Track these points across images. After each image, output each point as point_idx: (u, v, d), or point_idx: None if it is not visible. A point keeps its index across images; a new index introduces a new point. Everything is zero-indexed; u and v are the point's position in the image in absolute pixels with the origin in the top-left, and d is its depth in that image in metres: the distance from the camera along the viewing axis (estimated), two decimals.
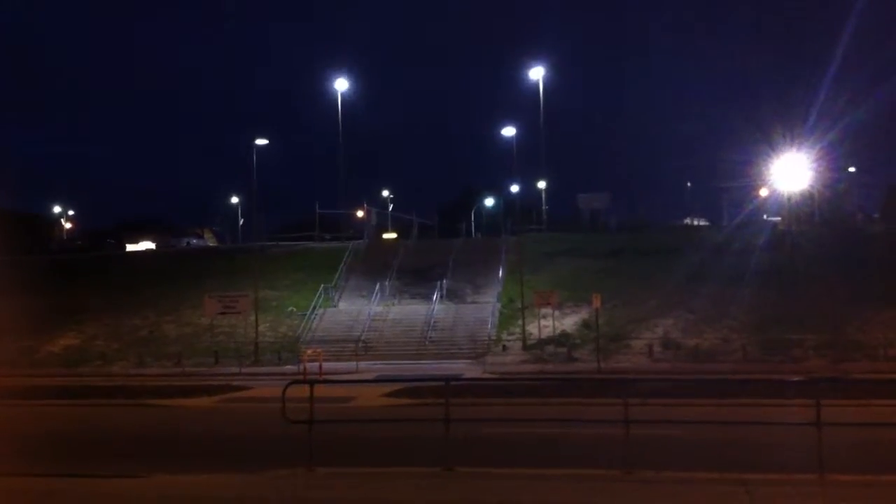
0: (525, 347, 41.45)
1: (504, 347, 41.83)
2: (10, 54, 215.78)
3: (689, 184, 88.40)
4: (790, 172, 56.46)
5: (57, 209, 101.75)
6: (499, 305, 46.43)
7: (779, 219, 62.42)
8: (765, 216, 68.31)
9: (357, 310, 47.55)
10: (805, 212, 60.72)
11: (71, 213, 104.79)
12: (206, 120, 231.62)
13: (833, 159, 60.64)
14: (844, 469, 11.86)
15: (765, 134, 57.25)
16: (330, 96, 66.55)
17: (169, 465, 13.88)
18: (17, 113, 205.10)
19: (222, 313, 41.75)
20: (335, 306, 48.75)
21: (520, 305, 43.46)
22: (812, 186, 59.79)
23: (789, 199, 58.61)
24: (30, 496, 10.88)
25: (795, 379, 22.34)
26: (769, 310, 40.89)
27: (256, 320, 43.62)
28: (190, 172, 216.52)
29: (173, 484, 12.15)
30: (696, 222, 79.15)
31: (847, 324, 39.29)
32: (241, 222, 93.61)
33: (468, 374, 33.72)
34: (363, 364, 38.20)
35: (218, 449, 17.12)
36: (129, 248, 74.56)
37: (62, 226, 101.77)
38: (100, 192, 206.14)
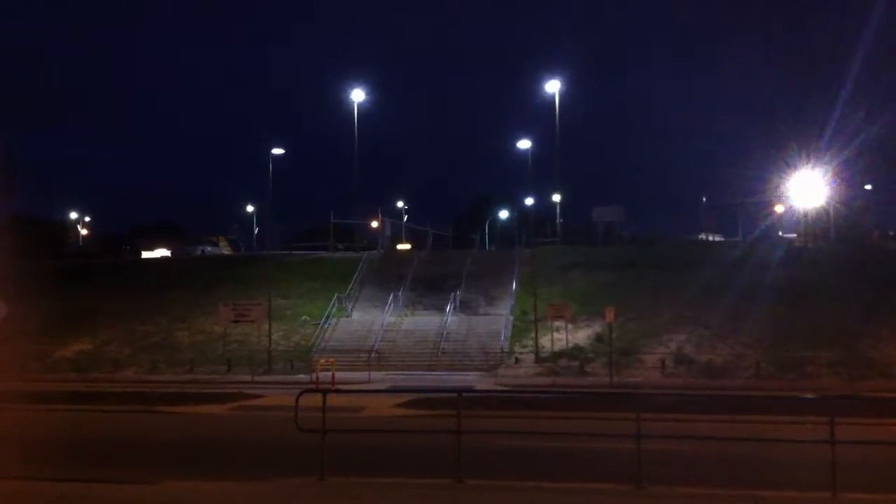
0: (537, 360, 41.35)
1: (516, 360, 41.76)
2: (26, 60, 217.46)
3: (704, 199, 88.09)
4: (806, 189, 56.43)
5: (73, 215, 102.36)
6: (512, 318, 46.35)
7: (794, 235, 62.22)
8: (780, 233, 68.04)
9: (370, 320, 47.58)
10: (821, 228, 60.45)
11: (87, 219, 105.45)
12: (222, 127, 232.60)
13: (849, 176, 60.49)
14: (857, 488, 11.79)
15: (780, 150, 57.21)
16: (345, 106, 66.70)
17: (181, 472, 13.91)
18: (32, 118, 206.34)
19: (236, 321, 41.88)
20: (348, 316, 48.80)
21: (533, 318, 43.39)
22: (828, 203, 59.64)
23: (805, 215, 58.54)
24: (41, 500, 10.92)
25: (809, 396, 22.25)
26: (783, 326, 40.69)
27: (269, 329, 43.68)
28: (206, 179, 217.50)
29: (184, 491, 12.16)
30: (710, 238, 78.88)
31: (861, 341, 39.07)
32: (256, 231, 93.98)
33: (480, 387, 33.67)
34: (375, 374, 38.20)
35: (230, 456, 17.14)
36: (145, 254, 74.78)
37: (78, 231, 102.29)
38: (115, 198, 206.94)
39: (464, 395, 14.48)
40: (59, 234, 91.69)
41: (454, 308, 47.60)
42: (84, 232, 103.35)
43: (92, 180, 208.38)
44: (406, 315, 48.22)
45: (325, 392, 13.70)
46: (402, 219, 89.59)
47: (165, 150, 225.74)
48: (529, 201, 68.98)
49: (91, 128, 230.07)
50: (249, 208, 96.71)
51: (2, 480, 11.96)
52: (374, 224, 75.46)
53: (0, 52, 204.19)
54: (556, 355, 41.31)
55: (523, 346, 43.18)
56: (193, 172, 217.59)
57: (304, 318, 48.09)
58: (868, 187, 69.96)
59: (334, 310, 48.11)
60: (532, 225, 57.76)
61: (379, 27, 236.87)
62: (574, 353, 41.28)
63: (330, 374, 34.63)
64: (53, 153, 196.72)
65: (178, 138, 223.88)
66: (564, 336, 41.96)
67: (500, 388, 34.10)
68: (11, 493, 11.28)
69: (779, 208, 67.93)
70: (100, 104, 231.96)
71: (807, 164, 56.19)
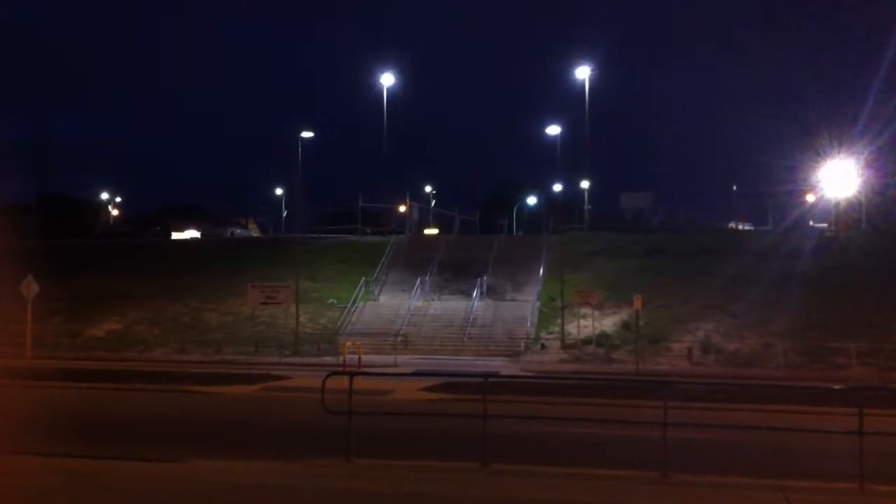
0: (563, 347, 41.32)
1: (542, 346, 41.72)
2: (61, 43, 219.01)
3: (734, 187, 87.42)
4: (838, 178, 55.82)
5: (104, 195, 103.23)
6: (538, 304, 46.29)
7: (825, 225, 61.65)
8: (811, 222, 67.46)
9: (397, 304, 47.69)
10: (853, 218, 59.82)
11: (118, 199, 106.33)
12: (255, 111, 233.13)
13: (882, 165, 59.81)
14: (885, 480, 11.70)
15: (812, 138, 56.61)
16: (375, 90, 66.82)
17: (208, 451, 14.02)
18: (67, 101, 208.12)
19: (264, 303, 42.13)
20: (375, 300, 48.94)
21: (560, 304, 43.29)
22: (860, 192, 58.99)
23: (837, 205, 57.93)
24: (69, 476, 11.04)
25: (838, 386, 22.08)
26: (813, 316, 40.36)
27: (297, 311, 43.88)
28: (237, 162, 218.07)
29: (211, 470, 12.26)
30: (740, 226, 78.38)
31: (892, 332, 38.69)
32: (285, 213, 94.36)
33: (505, 372, 33.66)
34: (402, 358, 38.29)
35: (257, 437, 17.27)
36: (175, 235, 75.35)
37: (109, 212, 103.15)
38: (147, 180, 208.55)
39: (490, 380, 14.50)
40: (91, 214, 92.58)
41: (481, 293, 47.60)
42: (115, 212, 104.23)
43: (124, 162, 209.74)
44: (433, 299, 48.27)
45: (351, 375, 13.75)
46: (430, 203, 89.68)
47: (197, 132, 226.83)
48: (558, 187, 68.83)
49: (124, 110, 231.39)
50: (279, 191, 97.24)
51: (30, 456, 12.12)
52: (402, 208, 75.53)
53: (34, 35, 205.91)
54: (583, 342, 41.26)
55: (549, 333, 43.13)
56: (225, 155, 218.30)
57: (331, 300, 48.28)
58: None
59: (361, 293, 48.26)
60: (560, 211, 57.63)
61: (409, 11, 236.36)
62: (600, 340, 41.18)
63: (356, 357, 34.77)
64: (86, 135, 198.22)
65: (210, 121, 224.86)
66: (591, 323, 41.86)
67: (525, 373, 34.08)
68: (39, 469, 11.42)
69: (810, 197, 67.34)
70: (133, 86, 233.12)
71: (839, 152, 55.58)
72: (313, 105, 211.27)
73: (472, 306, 45.94)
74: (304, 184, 65.58)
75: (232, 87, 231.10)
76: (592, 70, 48.64)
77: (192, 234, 76.32)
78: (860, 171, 57.03)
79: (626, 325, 41.61)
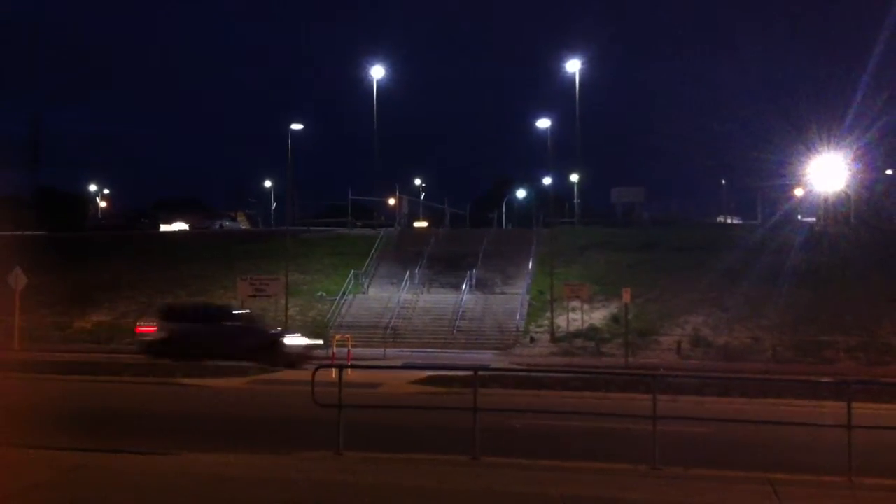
0: (553, 340, 41.38)
1: (532, 339, 41.78)
2: (53, 35, 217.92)
3: (723, 181, 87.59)
4: (827, 172, 55.95)
5: (93, 187, 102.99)
6: (528, 297, 46.36)
7: (814, 219, 61.87)
8: (799, 216, 67.64)
9: (387, 297, 47.68)
10: (841, 212, 60.05)
11: (106, 191, 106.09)
12: (253, 107, 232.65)
13: (871, 160, 59.99)
14: (873, 472, 11.75)
15: (801, 133, 56.68)
16: (366, 84, 66.62)
17: (197, 444, 13.99)
18: (59, 93, 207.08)
19: (253, 296, 41.97)
20: (365, 293, 48.90)
21: (549, 297, 43.37)
22: (849, 187, 59.17)
23: (825, 199, 58.10)
24: (57, 469, 11.01)
25: (826, 380, 22.17)
26: (802, 310, 40.52)
27: (286, 304, 43.80)
28: (236, 158, 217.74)
29: (201, 462, 12.23)
30: (729, 220, 78.57)
31: (880, 326, 38.87)
32: (274, 206, 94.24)
33: (495, 365, 33.70)
34: (391, 351, 38.30)
35: (247, 429, 17.22)
36: (163, 228, 75.14)
37: (98, 204, 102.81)
38: (147, 175, 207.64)
39: (479, 373, 14.50)
40: (80, 206, 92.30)
41: (470, 286, 47.62)
42: (103, 205, 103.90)
43: (124, 157, 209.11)
44: (422, 292, 48.28)
45: (340, 367, 13.74)
46: (421, 197, 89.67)
47: (196, 128, 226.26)
48: (547, 181, 68.81)
49: (125, 106, 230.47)
50: (268, 184, 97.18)
51: (19, 449, 12.08)
52: (392, 202, 75.44)
53: (28, 28, 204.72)
54: (572, 335, 41.34)
55: (539, 326, 43.19)
56: (224, 151, 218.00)
57: (320, 293, 48.23)
58: (889, 172, 69.37)
59: (351, 286, 48.23)
60: (550, 205, 57.66)
61: (408, 10, 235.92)
62: (590, 333, 41.27)
63: (346, 349, 34.71)
64: (86, 131, 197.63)
65: (210, 118, 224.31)
66: (580, 316, 41.94)
67: (515, 367, 34.11)
68: (28, 463, 11.39)
69: (799, 192, 67.53)
70: (134, 84, 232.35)
71: (828, 147, 55.67)
72: (309, 101, 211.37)
73: (462, 299, 45.96)
74: (301, 179, 65.78)
75: (233, 85, 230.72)
76: (584, 64, 48.71)
77: (180, 226, 76.10)
78: (849, 166, 57.13)
79: (615, 319, 41.71)
